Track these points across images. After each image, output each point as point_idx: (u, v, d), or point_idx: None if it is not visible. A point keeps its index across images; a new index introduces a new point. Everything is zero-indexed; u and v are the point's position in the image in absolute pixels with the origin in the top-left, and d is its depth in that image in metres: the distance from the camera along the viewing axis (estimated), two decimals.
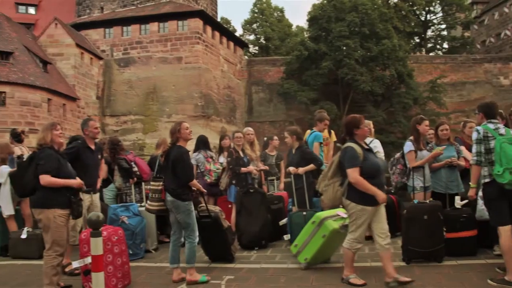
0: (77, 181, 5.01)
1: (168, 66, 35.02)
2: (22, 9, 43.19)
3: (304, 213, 6.25)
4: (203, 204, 5.78)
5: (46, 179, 4.79)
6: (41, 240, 5.46)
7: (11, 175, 6.75)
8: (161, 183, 5.31)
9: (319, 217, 5.61)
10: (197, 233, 5.36)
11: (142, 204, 7.16)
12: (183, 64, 34.83)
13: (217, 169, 7.76)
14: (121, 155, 7.65)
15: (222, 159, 7.95)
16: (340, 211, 5.56)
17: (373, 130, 7.18)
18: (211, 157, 7.91)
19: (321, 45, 36.47)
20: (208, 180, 7.68)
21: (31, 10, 43.55)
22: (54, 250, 4.81)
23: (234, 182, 7.21)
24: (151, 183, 5.49)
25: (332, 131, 8.05)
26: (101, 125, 32.97)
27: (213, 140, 13.51)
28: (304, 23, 68.53)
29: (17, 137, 7.93)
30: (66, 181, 4.90)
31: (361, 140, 4.99)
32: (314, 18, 38.57)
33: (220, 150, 8.25)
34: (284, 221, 6.65)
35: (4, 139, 23.02)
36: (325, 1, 38.59)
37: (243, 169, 7.14)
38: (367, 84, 35.11)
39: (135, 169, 7.62)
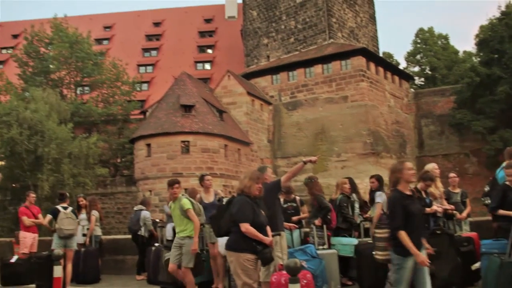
0: (269, 239, 5.11)
1: (335, 106, 35.58)
2: (199, 66, 48.66)
3: (502, 258, 5.70)
4: None
5: (245, 227, 5.01)
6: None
7: (211, 217, 7.49)
8: (386, 230, 5.18)
9: None
10: None
11: (325, 247, 7.29)
12: (349, 103, 35.13)
13: None
14: (318, 192, 7.77)
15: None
16: None
17: None
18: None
19: (495, 68, 33.86)
20: None
21: (207, 66, 48.79)
22: None
23: None
24: (375, 230, 5.31)
25: None
26: (273, 167, 34.50)
27: (386, 178, 13.23)
28: (472, 48, 64.69)
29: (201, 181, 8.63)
30: (261, 236, 5.05)
31: None
32: (483, 41, 36.11)
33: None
34: (477, 265, 6.23)
35: (188, 183, 25.49)
36: (495, 21, 35.95)
37: (428, 210, 6.88)
38: None
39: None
